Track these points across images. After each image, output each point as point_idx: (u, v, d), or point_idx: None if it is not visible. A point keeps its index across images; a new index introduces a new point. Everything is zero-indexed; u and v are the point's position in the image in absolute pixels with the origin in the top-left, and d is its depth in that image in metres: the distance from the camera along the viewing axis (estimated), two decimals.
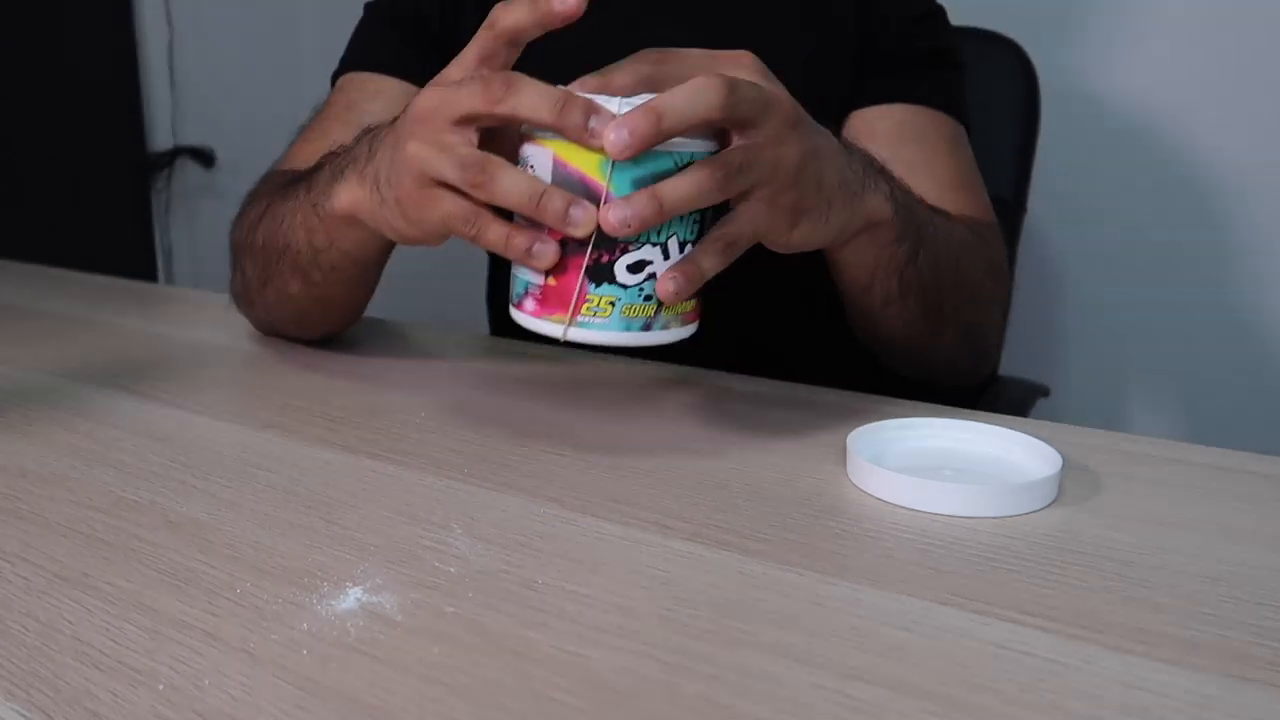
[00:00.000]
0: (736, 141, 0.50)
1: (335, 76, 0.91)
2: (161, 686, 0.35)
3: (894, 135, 0.82)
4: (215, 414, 0.66)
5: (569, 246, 0.51)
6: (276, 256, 0.70)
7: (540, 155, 0.51)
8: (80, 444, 0.60)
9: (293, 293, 0.73)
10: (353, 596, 0.41)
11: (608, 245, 0.50)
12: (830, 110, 0.84)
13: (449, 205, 0.53)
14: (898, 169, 0.79)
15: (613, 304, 0.51)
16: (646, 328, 0.52)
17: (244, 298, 0.80)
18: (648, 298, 0.52)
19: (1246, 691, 0.35)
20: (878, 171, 0.62)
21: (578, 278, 0.51)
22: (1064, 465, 0.53)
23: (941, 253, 0.68)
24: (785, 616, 0.40)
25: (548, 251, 0.51)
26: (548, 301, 0.52)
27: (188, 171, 2.16)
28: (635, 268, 0.51)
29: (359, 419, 0.64)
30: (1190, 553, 0.46)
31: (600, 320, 0.51)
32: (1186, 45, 1.40)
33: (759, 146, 0.50)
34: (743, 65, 0.54)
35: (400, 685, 0.35)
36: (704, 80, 0.48)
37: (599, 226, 0.49)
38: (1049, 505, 0.51)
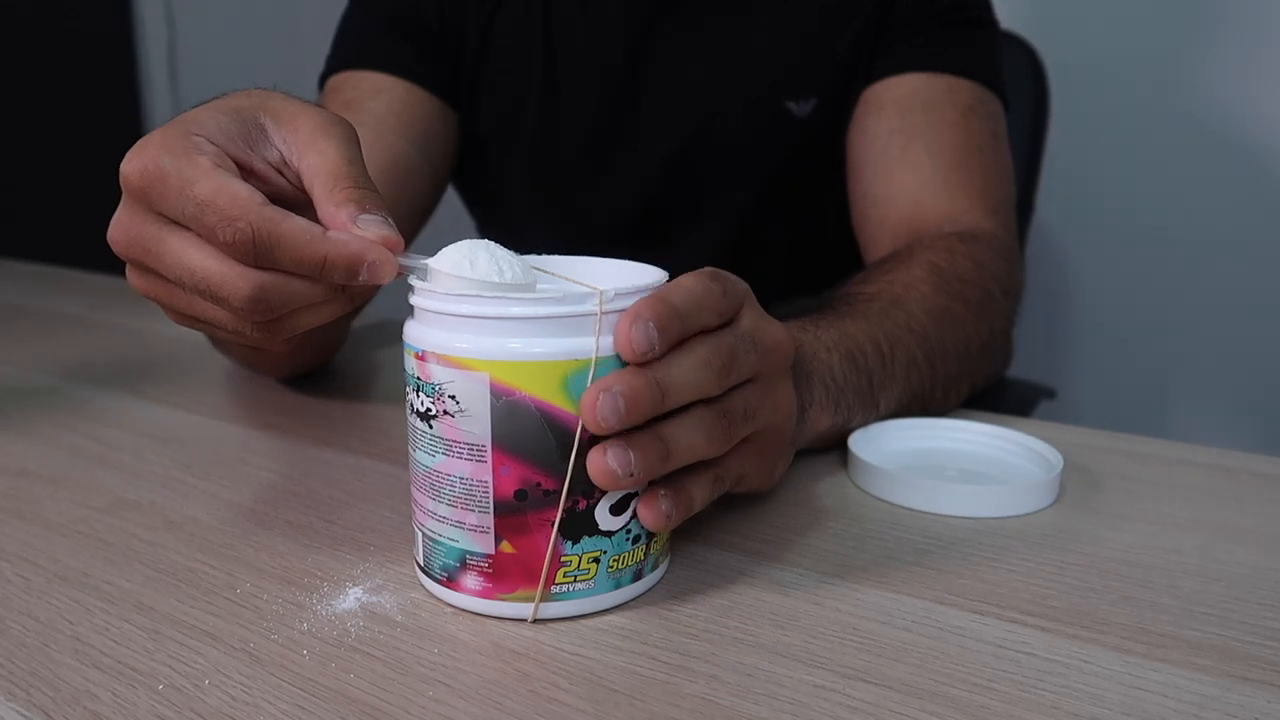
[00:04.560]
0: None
1: (324, 78, 0.84)
2: (161, 686, 0.35)
3: (902, 104, 0.76)
4: (215, 414, 0.66)
5: (529, 496, 0.38)
6: None
7: (466, 381, 0.37)
8: (80, 444, 0.60)
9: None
10: (353, 596, 0.41)
11: (585, 486, 0.38)
12: (820, 83, 0.81)
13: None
14: (899, 139, 0.76)
15: (597, 560, 0.39)
16: (637, 576, 0.41)
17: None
18: (636, 538, 0.40)
19: (1246, 691, 0.35)
20: (812, 360, 0.52)
21: (548, 538, 0.38)
22: (1064, 465, 0.53)
23: (912, 370, 0.59)
24: (785, 616, 0.40)
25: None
26: (504, 575, 0.39)
27: None
28: (620, 505, 0.39)
29: (359, 419, 0.64)
30: (1190, 553, 0.46)
31: (583, 586, 0.39)
32: (1199, 44, 1.39)
33: (764, 388, 0.42)
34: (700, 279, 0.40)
35: (400, 685, 0.35)
36: (705, 343, 0.39)
37: (572, 467, 0.37)
38: (1049, 505, 0.51)
